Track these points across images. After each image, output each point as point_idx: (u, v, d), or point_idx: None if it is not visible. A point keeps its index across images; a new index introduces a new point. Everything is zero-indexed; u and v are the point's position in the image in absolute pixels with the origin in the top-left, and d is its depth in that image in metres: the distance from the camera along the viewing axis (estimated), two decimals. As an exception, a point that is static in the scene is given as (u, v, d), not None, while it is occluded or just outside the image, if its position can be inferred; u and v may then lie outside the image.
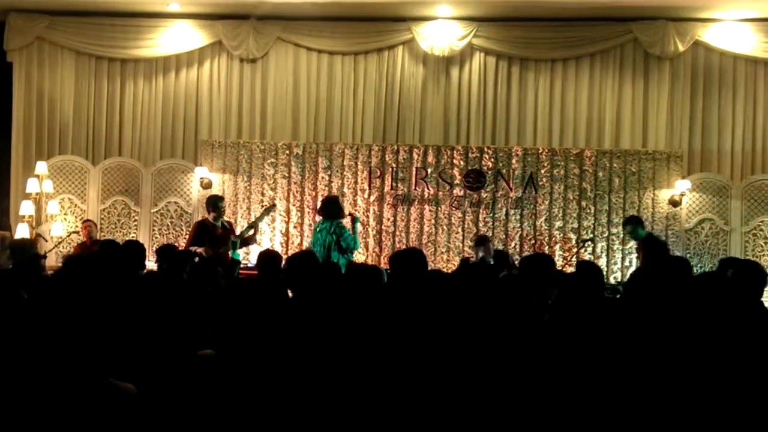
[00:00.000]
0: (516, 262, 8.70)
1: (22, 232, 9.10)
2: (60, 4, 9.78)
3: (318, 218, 7.98)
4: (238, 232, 8.23)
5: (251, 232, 8.15)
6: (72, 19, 10.01)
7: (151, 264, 8.45)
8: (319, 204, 8.16)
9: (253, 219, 8.95)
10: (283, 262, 5.19)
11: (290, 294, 4.31)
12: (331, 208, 7.58)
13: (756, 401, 2.61)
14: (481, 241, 8.41)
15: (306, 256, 4.50)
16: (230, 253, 7.72)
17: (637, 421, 2.60)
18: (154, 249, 8.40)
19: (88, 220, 9.03)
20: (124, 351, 2.96)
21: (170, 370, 2.81)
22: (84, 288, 3.60)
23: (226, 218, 8.45)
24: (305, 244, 9.38)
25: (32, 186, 9.42)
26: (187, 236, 8.84)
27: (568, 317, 3.17)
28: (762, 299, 3.94)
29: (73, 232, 9.32)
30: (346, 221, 7.71)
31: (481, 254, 8.41)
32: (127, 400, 2.42)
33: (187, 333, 3.39)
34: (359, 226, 8.24)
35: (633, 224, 8.18)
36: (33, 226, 9.30)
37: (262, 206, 9.25)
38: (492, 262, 8.20)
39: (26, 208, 9.30)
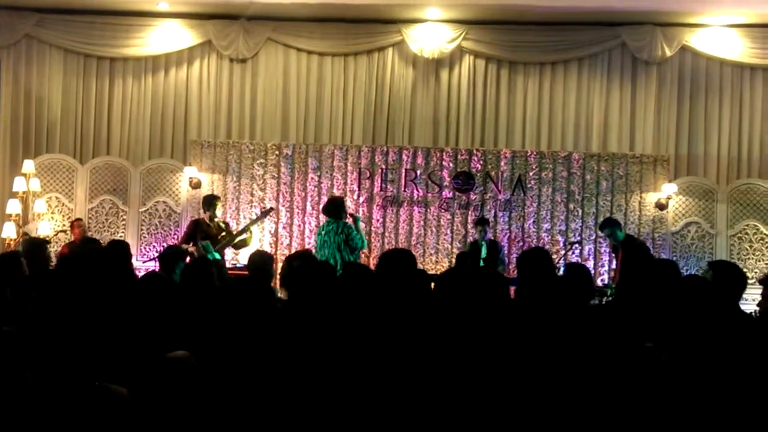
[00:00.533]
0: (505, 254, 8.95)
1: (8, 231, 9.05)
2: (49, 1, 9.74)
3: (322, 219, 7.95)
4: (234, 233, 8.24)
5: (244, 235, 8.13)
6: (61, 17, 9.97)
7: (137, 263, 8.44)
8: (321, 205, 8.05)
9: (245, 221, 8.95)
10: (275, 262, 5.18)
11: (282, 294, 4.31)
12: (338, 209, 7.60)
13: (744, 403, 2.65)
14: (479, 222, 8.68)
15: (305, 257, 4.52)
16: (207, 255, 7.46)
17: (631, 424, 2.62)
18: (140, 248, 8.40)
19: (78, 219, 8.99)
20: (110, 353, 2.94)
21: (141, 371, 2.79)
22: (75, 288, 3.57)
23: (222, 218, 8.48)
24: (294, 245, 9.38)
25: (19, 184, 9.36)
26: (177, 235, 8.84)
27: (558, 320, 3.20)
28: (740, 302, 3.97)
29: (61, 231, 9.28)
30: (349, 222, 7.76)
31: (476, 236, 8.68)
32: (120, 404, 2.39)
33: (165, 334, 3.36)
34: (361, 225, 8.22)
35: (611, 227, 8.05)
36: (20, 225, 9.24)
37: (260, 207, 9.22)
38: (483, 246, 8.37)
39: (13, 206, 9.24)
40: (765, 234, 9.26)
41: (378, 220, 9.39)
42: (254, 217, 8.90)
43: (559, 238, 9.33)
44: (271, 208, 9.06)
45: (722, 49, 9.69)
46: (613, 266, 9.09)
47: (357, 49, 10.09)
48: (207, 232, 7.88)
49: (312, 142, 9.83)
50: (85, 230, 8.81)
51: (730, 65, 9.82)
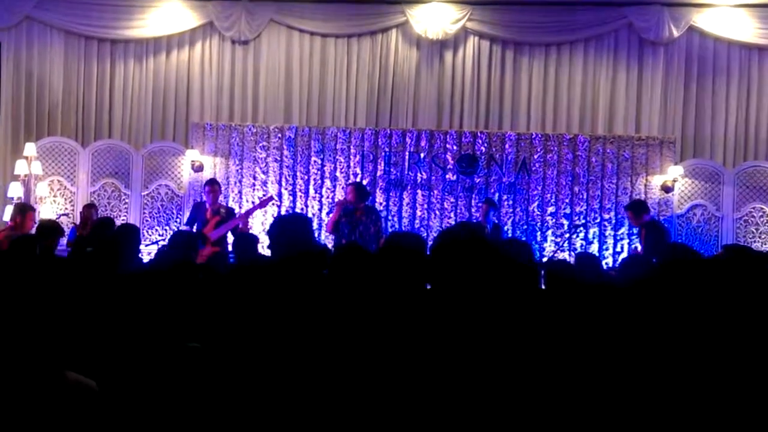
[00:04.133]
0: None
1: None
2: (49, -17, 9.64)
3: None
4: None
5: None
6: (61, -1, 9.88)
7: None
8: (353, 189, 7.93)
9: (247, 204, 8.87)
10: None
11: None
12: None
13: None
14: (486, 201, 8.52)
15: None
16: None
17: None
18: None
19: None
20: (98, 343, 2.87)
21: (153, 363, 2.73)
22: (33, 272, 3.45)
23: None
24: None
25: (21, 168, 9.32)
26: (179, 219, 8.82)
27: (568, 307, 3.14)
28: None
29: (63, 215, 9.25)
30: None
31: (479, 218, 8.55)
32: (87, 396, 2.33)
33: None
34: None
35: (634, 210, 7.95)
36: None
37: (259, 191, 9.14)
38: (488, 229, 8.28)
39: (15, 190, 9.21)
40: (772, 217, 9.19)
41: (381, 204, 9.33)
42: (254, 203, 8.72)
43: (564, 221, 9.27)
44: (272, 197, 8.90)
45: (730, 30, 9.56)
46: (618, 249, 9.06)
47: (360, 30, 9.98)
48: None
49: (315, 125, 9.76)
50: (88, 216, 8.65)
51: (738, 46, 9.70)
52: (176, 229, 7.22)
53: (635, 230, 8.58)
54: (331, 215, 8.03)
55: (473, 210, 9.21)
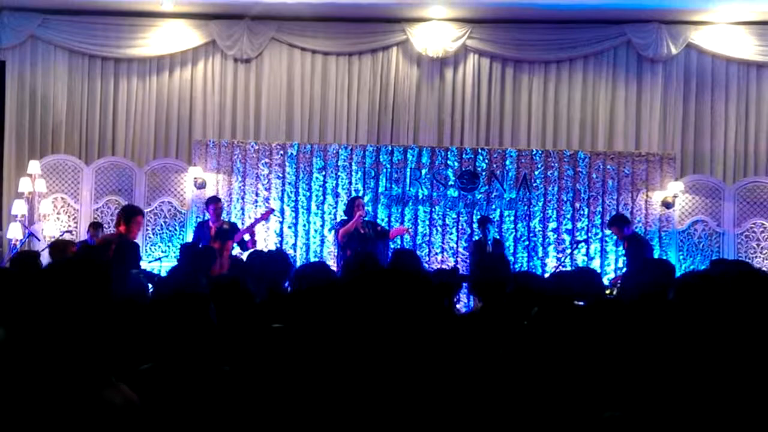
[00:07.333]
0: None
1: (14, 231, 9.06)
2: (53, 2, 9.75)
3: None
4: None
5: (246, 237, 8.07)
6: (65, 18, 9.98)
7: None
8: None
9: (250, 221, 8.92)
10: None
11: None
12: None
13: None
14: (480, 222, 8.62)
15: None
16: None
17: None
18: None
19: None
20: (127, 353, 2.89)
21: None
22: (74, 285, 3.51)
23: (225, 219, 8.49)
24: (300, 245, 9.37)
25: (25, 185, 9.37)
26: (182, 235, 8.87)
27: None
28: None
29: (66, 232, 9.29)
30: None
31: (480, 236, 8.59)
32: (129, 406, 2.33)
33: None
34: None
35: (618, 224, 8.09)
36: (26, 226, 9.25)
37: (261, 208, 9.18)
38: (490, 245, 8.29)
39: (19, 207, 9.26)
40: (772, 232, 9.21)
41: (383, 220, 9.36)
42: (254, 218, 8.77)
43: (566, 236, 9.30)
44: (272, 209, 8.96)
45: (728, 47, 9.65)
46: (620, 265, 9.07)
47: (361, 48, 10.08)
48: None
49: (317, 142, 9.81)
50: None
51: (737, 63, 9.78)
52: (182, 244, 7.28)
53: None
54: (349, 224, 7.95)
55: (474, 226, 9.23)
